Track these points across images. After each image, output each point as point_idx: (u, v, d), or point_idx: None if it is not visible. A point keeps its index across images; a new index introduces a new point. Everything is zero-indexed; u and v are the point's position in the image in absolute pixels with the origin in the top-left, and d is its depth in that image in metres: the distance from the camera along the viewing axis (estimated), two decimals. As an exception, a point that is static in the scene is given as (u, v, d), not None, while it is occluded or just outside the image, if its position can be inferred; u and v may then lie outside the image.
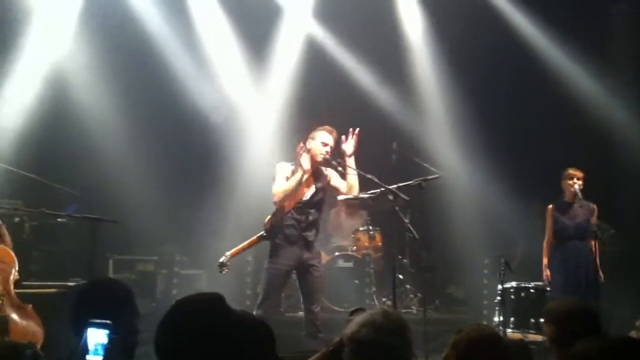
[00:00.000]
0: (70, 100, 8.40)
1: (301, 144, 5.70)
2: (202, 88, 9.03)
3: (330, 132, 5.77)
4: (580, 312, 3.44)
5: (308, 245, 5.76)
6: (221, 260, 5.72)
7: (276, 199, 5.68)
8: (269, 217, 5.83)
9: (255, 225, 8.02)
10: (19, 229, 7.06)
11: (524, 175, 8.76)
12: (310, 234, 5.77)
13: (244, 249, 5.88)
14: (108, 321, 2.06)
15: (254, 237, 5.85)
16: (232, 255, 5.76)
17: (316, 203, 5.83)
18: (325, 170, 5.88)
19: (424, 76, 9.52)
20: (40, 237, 7.31)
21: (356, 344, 2.63)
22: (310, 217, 5.79)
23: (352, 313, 2.92)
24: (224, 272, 5.78)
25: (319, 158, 5.71)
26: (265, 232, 5.81)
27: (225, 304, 2.18)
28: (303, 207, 5.75)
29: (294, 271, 5.82)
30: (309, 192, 5.77)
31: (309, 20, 9.37)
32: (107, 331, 2.05)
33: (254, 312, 5.49)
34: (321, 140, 5.73)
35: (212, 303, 2.16)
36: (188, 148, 9.03)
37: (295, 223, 5.72)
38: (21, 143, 7.93)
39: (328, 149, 5.73)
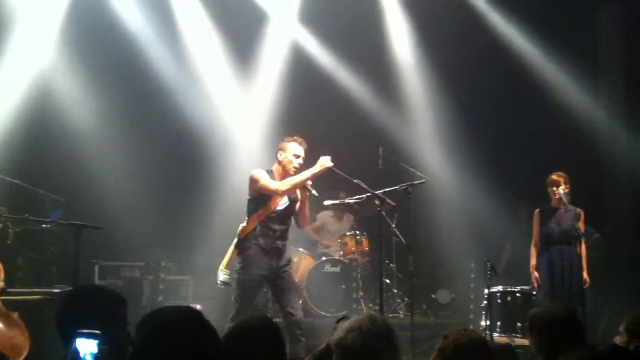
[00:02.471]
0: (54, 105, 8.35)
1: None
2: (188, 94, 9.01)
3: (300, 144, 5.76)
4: (562, 320, 3.43)
5: (280, 253, 5.73)
6: (226, 280, 5.71)
7: (283, 188, 5.59)
8: (241, 226, 5.75)
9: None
10: (3, 236, 7.00)
11: (510, 180, 8.81)
12: (282, 243, 5.75)
13: (231, 259, 5.83)
14: (97, 331, 2.05)
15: (232, 247, 5.78)
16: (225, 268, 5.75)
17: (289, 214, 5.82)
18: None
19: (410, 81, 9.55)
20: (25, 244, 7.24)
21: (343, 350, 2.63)
22: (284, 227, 5.77)
23: (339, 321, 2.91)
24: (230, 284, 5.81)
25: (292, 171, 5.70)
26: (238, 241, 5.72)
27: (200, 318, 2.19)
28: (277, 217, 5.72)
29: (266, 282, 5.78)
30: (282, 203, 5.74)
31: (294, 26, 9.38)
32: (96, 341, 2.03)
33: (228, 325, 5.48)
34: (293, 153, 5.72)
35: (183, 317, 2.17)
36: (174, 154, 8.99)
37: (270, 232, 5.67)
38: (5, 149, 7.88)
39: (300, 160, 5.73)
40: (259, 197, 5.71)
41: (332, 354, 2.70)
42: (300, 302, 6.25)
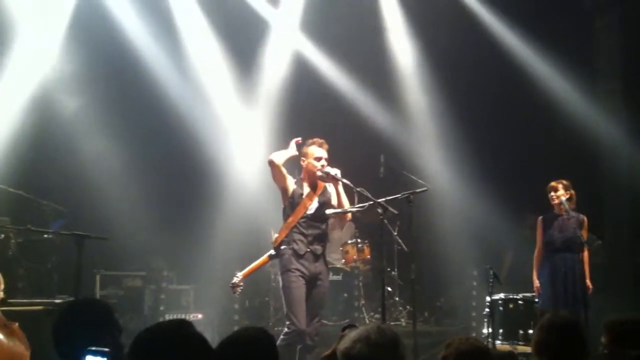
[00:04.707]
0: (57, 116, 8.36)
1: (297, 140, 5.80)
2: (189, 104, 9.02)
3: (320, 145, 5.80)
4: (565, 327, 3.40)
5: (317, 258, 5.75)
6: (233, 281, 5.73)
7: (270, 156, 5.69)
8: (276, 235, 5.85)
9: (243, 240, 8.06)
10: (4, 246, 7.00)
11: (513, 187, 8.80)
12: (318, 248, 5.76)
13: (254, 270, 5.85)
14: (106, 349, 2.06)
15: (265, 257, 5.84)
16: (245, 276, 5.76)
17: (321, 217, 5.82)
18: (329, 186, 5.88)
19: (412, 88, 9.57)
20: (27, 254, 7.24)
21: (350, 360, 2.62)
22: (317, 231, 5.79)
23: (345, 329, 2.91)
24: (237, 294, 5.86)
25: (318, 173, 5.73)
26: (274, 250, 5.80)
27: (190, 330, 2.20)
28: (308, 220, 5.75)
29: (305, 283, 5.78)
30: (312, 206, 5.77)
31: (296, 35, 9.40)
32: (104, 358, 2.05)
33: (307, 340, 5.53)
34: (314, 156, 5.76)
35: (176, 330, 2.18)
36: (176, 163, 9.00)
37: (302, 237, 5.71)
38: (8, 159, 7.88)
39: (323, 162, 5.76)
40: (289, 205, 5.78)
41: (337, 363, 2.70)
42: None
